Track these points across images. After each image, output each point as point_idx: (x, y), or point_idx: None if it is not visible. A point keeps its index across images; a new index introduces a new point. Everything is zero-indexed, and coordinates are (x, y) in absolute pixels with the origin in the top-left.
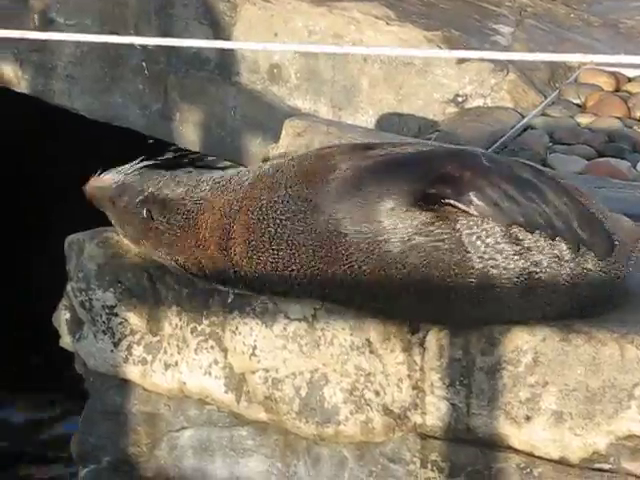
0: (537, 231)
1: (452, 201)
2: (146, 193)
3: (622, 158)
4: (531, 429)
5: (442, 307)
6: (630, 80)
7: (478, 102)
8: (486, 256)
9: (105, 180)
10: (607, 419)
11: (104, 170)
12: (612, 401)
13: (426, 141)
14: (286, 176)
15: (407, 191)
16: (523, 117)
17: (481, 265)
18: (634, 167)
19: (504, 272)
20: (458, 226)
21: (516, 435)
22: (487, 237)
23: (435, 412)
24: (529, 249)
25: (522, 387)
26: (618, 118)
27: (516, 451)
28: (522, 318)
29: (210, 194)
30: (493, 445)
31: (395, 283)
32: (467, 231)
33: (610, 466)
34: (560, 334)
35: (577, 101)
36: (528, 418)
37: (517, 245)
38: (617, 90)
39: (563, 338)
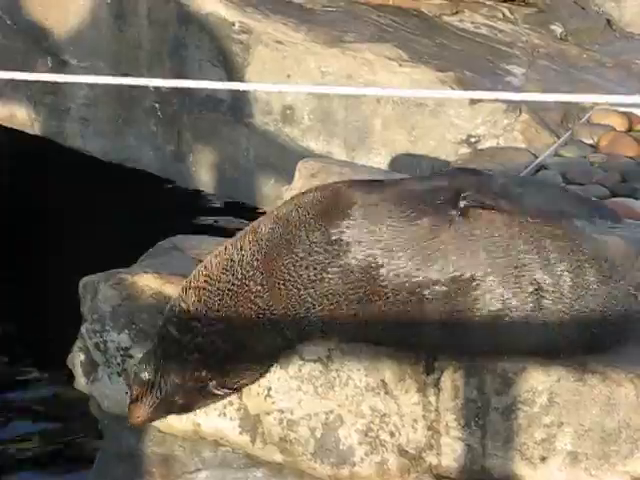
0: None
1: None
2: (190, 379)
3: (636, 198)
4: (547, 470)
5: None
6: None
7: (491, 142)
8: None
9: (143, 410)
10: (623, 459)
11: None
12: (627, 441)
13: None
14: (302, 224)
15: (441, 207)
16: (536, 157)
17: None
18: None
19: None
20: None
21: (532, 476)
22: None
23: (450, 453)
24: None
25: (537, 427)
26: (631, 158)
27: None
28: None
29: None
30: None
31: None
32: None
33: None
34: (575, 374)
35: (590, 141)
36: (543, 459)
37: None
38: (629, 130)
39: (578, 378)
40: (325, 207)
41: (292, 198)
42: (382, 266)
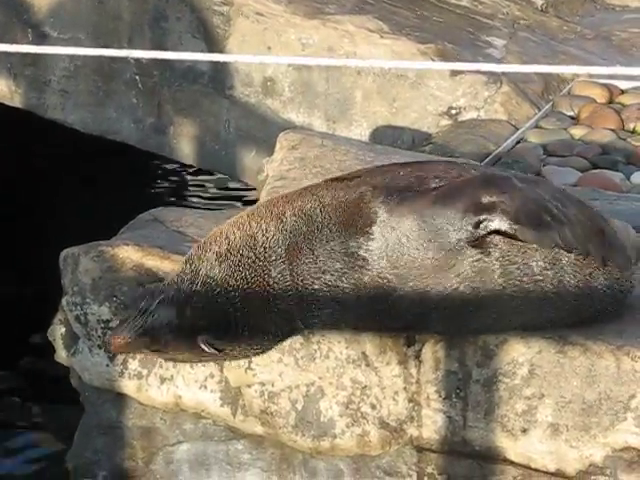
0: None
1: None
2: (185, 323)
3: (616, 170)
4: (527, 441)
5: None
6: (623, 92)
7: (472, 114)
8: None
9: (127, 334)
10: (603, 431)
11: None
12: (608, 413)
13: (450, 159)
14: (324, 228)
15: (454, 234)
16: (517, 129)
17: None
18: (628, 179)
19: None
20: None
21: (512, 447)
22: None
23: (431, 425)
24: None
25: (518, 399)
26: (611, 130)
27: (513, 463)
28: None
29: (247, 288)
30: (490, 458)
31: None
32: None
33: (606, 478)
34: (556, 346)
35: (570, 113)
36: (524, 430)
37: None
38: (610, 102)
39: (559, 350)
40: (347, 218)
41: (316, 190)
42: (395, 290)
